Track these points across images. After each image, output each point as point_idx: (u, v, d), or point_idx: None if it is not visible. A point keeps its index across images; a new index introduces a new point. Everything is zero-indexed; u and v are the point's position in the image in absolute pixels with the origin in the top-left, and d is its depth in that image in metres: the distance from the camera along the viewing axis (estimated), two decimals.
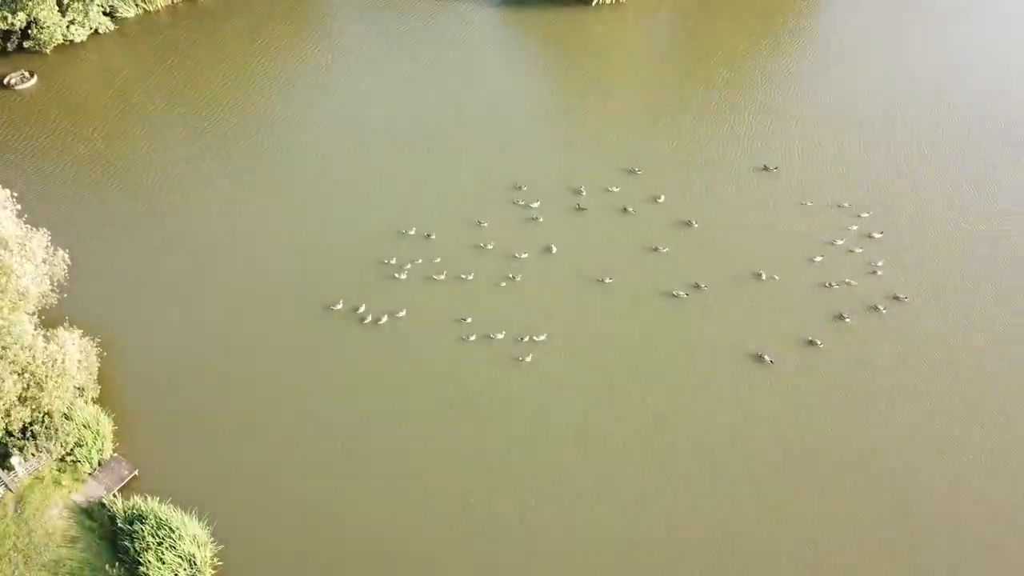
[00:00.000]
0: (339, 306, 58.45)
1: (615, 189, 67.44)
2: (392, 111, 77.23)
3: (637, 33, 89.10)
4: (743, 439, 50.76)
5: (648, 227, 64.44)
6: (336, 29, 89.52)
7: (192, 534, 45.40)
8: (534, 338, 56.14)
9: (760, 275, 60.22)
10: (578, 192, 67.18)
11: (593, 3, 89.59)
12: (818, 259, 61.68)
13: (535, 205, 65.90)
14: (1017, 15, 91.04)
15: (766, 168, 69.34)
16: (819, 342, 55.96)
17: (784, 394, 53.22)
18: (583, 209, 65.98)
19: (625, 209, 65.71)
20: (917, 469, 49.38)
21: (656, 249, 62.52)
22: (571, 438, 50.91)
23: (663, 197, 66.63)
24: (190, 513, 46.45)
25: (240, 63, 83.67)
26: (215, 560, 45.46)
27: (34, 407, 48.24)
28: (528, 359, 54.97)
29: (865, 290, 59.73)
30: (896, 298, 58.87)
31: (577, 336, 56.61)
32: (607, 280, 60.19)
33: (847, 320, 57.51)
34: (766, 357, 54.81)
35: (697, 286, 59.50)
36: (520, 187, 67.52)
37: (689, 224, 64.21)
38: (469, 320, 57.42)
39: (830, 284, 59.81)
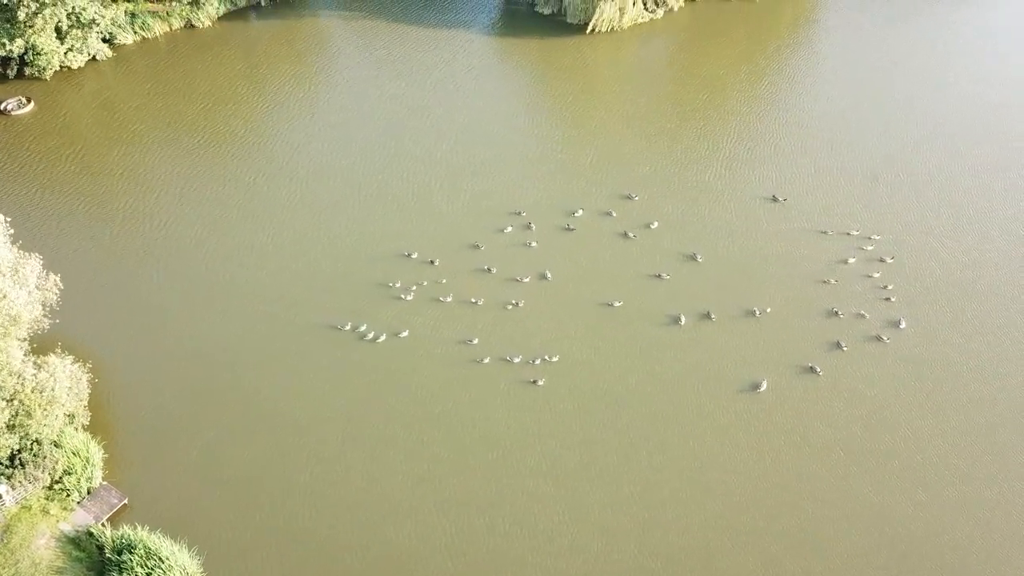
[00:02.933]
0: (346, 327, 57.88)
1: (613, 214, 67.52)
2: (389, 136, 77.51)
3: (633, 60, 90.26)
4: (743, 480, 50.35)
5: (649, 253, 64.38)
6: (333, 56, 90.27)
7: (182, 565, 44.37)
8: (547, 358, 55.80)
9: (762, 310, 59.58)
10: (574, 216, 67.23)
11: (588, 30, 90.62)
12: (833, 281, 61.70)
13: (533, 229, 65.94)
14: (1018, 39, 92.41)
15: (775, 199, 69.09)
16: (818, 370, 55.71)
17: (788, 424, 52.94)
18: (581, 234, 65.92)
19: (625, 234, 65.67)
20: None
21: (659, 276, 62.30)
22: (575, 465, 50.39)
23: (660, 223, 66.67)
24: (180, 543, 45.33)
25: (238, 89, 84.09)
26: None
27: (23, 434, 47.44)
28: (540, 383, 54.50)
29: (876, 318, 59.72)
30: (896, 326, 58.85)
31: (583, 362, 56.14)
32: (616, 304, 59.89)
33: (845, 349, 57.35)
34: (763, 385, 54.44)
35: (707, 315, 59.02)
36: (519, 212, 67.54)
37: (693, 256, 63.79)
38: (476, 341, 57.02)
39: (836, 312, 59.56)
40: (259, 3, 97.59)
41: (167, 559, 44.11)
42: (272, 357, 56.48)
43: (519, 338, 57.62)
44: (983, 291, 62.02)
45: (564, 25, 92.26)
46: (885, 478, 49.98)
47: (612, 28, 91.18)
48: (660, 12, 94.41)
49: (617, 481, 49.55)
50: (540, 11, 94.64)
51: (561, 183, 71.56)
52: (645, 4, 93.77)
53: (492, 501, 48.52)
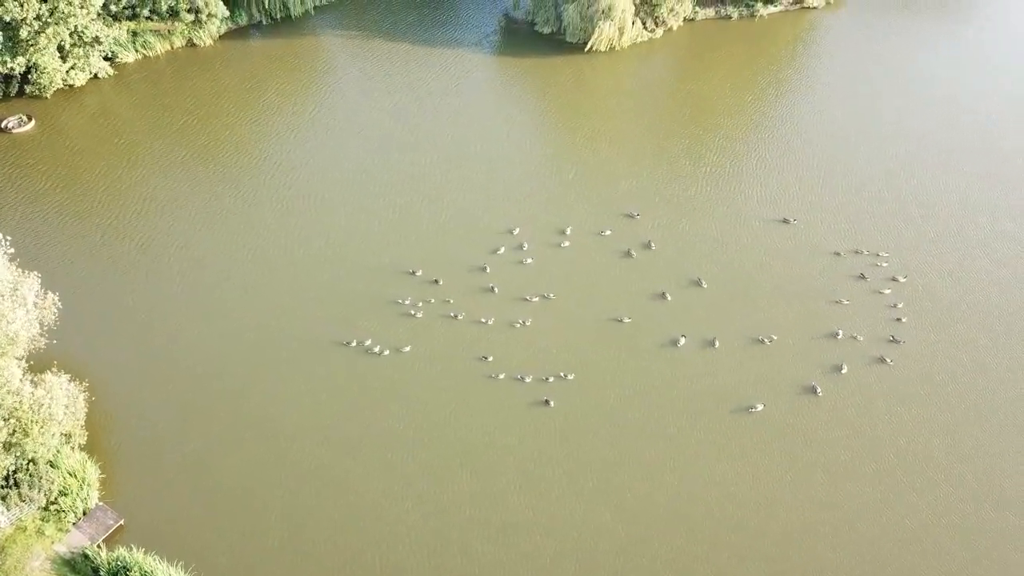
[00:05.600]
0: (352, 344, 57.74)
1: (608, 232, 67.47)
2: (389, 154, 77.65)
3: (632, 78, 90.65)
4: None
5: (651, 273, 64.19)
6: (332, 73, 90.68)
7: None
8: (562, 375, 55.64)
9: (770, 337, 59.06)
10: (566, 234, 67.09)
11: (587, 49, 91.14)
12: (845, 301, 61.50)
13: (526, 248, 65.74)
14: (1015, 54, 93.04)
15: (785, 221, 68.75)
16: (819, 389, 55.56)
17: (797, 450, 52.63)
18: (579, 252, 65.88)
19: (628, 253, 65.60)
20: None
21: (663, 295, 62.03)
22: (592, 488, 50.08)
23: (661, 243, 66.61)
24: (176, 564, 44.92)
25: (239, 107, 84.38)
26: None
27: (19, 454, 47.02)
28: (551, 403, 54.22)
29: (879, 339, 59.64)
30: (894, 341, 58.72)
31: (594, 382, 55.96)
32: (625, 320, 59.82)
33: (845, 372, 57.17)
34: (757, 407, 54.18)
35: (712, 342, 58.56)
36: (512, 231, 67.38)
37: (697, 280, 63.35)
38: (491, 359, 56.91)
39: (840, 334, 59.35)
40: (260, 22, 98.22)
41: None
42: (273, 373, 56.20)
43: (529, 356, 57.37)
44: (997, 309, 62.00)
45: (563, 44, 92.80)
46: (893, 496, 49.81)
47: (611, 47, 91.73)
48: (659, 31, 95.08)
49: (630, 500, 49.18)
50: (540, 30, 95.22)
51: (558, 200, 71.53)
52: (644, 23, 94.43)
53: (509, 521, 48.11)
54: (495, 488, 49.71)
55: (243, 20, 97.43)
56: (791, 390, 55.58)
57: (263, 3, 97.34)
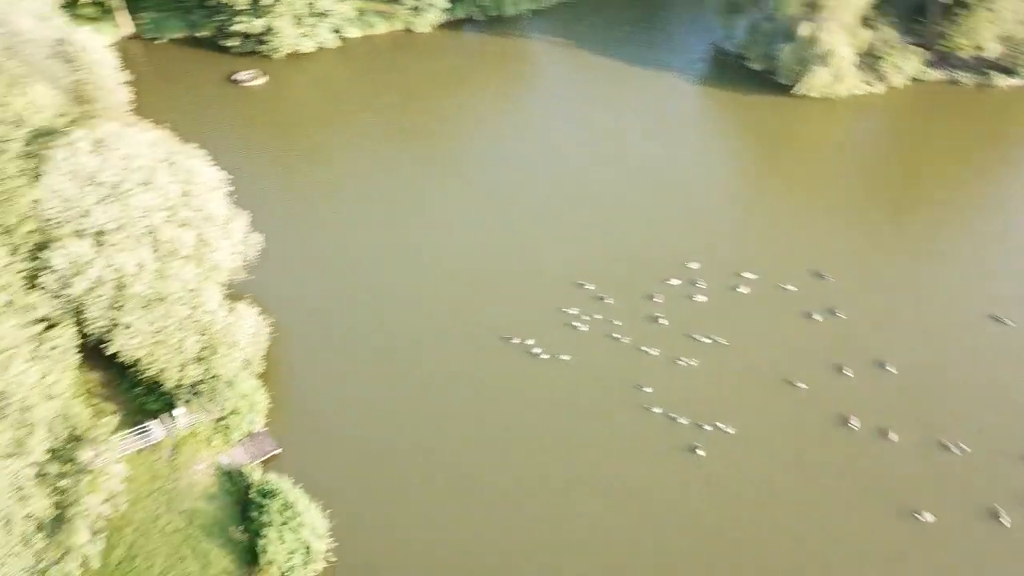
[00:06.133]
0: (515, 341, 58.45)
1: (791, 288, 63.14)
2: (581, 162, 78.17)
3: (843, 132, 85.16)
4: None
5: (834, 343, 58.53)
6: (537, 78, 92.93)
7: (312, 523, 46.16)
8: (720, 426, 52.56)
9: (958, 445, 51.56)
10: (746, 279, 63.76)
11: (792, 91, 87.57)
12: None
13: (702, 285, 63.23)
14: None
15: (996, 319, 60.13)
16: (1005, 518, 47.86)
17: None
18: (756, 302, 62.19)
19: (809, 315, 60.76)
20: None
21: (842, 369, 56.43)
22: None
23: (847, 312, 60.90)
24: (316, 502, 47.39)
25: (443, 95, 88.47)
26: (328, 555, 46.25)
27: (205, 368, 51.83)
28: (701, 452, 51.34)
29: None
30: None
31: (753, 440, 52.13)
32: (799, 385, 55.44)
33: None
34: (925, 516, 47.65)
35: (885, 433, 52.25)
36: (689, 263, 64.95)
37: (882, 363, 56.79)
38: (649, 390, 55.13)
39: None
40: (473, 18, 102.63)
41: (300, 514, 46.10)
42: (440, 353, 57.87)
43: (689, 398, 54.61)
44: None
45: (773, 84, 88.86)
46: None
47: (825, 95, 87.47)
48: (879, 87, 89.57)
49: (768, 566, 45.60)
50: (750, 66, 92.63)
51: (742, 242, 68.20)
52: (864, 76, 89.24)
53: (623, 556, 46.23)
54: (623, 524, 47.96)
55: (461, 14, 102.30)
56: (969, 507, 48.44)
57: (481, 0, 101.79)
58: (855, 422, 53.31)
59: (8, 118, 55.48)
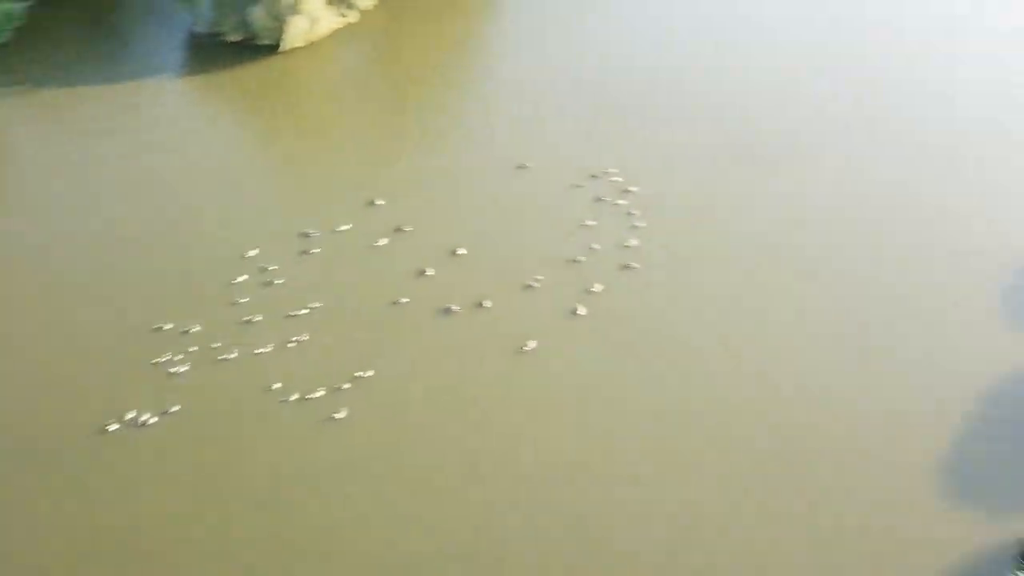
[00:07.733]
0: (112, 427, 50.70)
1: (350, 226, 65.94)
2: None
3: (336, 70, 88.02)
4: None
5: (410, 253, 63.96)
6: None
7: None
8: (359, 375, 53.03)
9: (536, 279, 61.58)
10: (319, 239, 64.72)
11: (280, 49, 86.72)
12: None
13: (275, 267, 62.35)
14: None
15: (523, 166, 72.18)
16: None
17: None
18: (334, 252, 63.86)
19: (376, 242, 64.74)
20: None
21: (424, 272, 62.18)
22: None
23: (411, 223, 66.40)
24: None
25: None
26: None
27: None
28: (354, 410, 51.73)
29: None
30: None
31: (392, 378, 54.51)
32: (403, 300, 58.80)
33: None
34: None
35: (480, 303, 59.84)
36: (249, 253, 63.58)
37: (453, 251, 63.77)
38: (279, 385, 53.20)
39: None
40: None
41: None
42: None
43: (318, 366, 54.65)
44: None
45: (258, 49, 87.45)
46: None
47: (310, 41, 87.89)
48: (353, 14, 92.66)
49: None
50: (230, 39, 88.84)
51: (290, 210, 68.13)
52: (339, 10, 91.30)
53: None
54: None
55: None
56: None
57: None
58: (456, 307, 59.61)
59: None
